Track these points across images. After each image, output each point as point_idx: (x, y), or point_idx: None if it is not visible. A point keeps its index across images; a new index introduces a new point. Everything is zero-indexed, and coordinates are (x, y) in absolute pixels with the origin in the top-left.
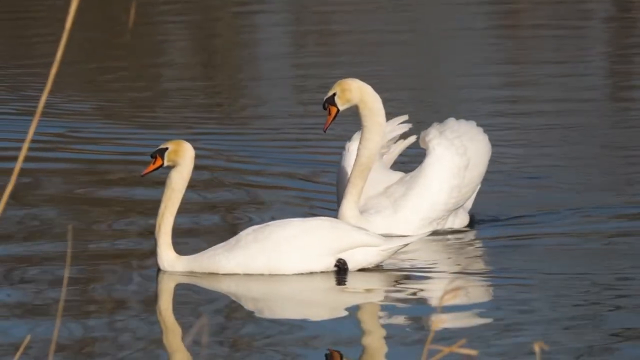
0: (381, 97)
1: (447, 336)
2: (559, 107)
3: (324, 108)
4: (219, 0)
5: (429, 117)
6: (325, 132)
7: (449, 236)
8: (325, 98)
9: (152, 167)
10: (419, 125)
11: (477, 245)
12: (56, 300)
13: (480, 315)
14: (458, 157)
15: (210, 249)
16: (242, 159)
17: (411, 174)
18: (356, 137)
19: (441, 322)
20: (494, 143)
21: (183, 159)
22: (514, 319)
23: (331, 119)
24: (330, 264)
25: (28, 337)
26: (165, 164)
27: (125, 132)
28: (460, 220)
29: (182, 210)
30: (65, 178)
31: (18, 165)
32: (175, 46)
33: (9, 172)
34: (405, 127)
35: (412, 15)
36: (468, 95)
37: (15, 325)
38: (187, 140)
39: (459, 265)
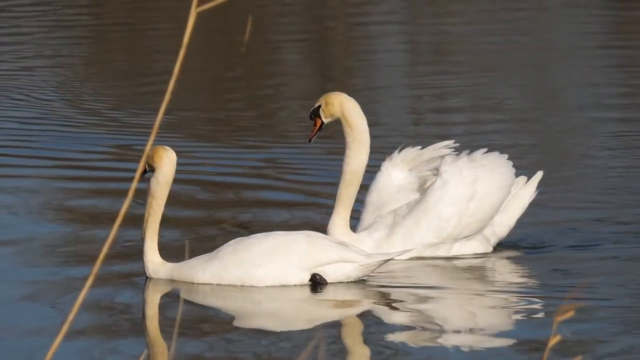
0: (490, 111)
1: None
2: None
3: (310, 119)
4: (332, 11)
5: (535, 131)
6: (310, 142)
7: (457, 260)
8: (311, 109)
9: (138, 173)
10: (523, 145)
11: (472, 266)
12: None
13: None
14: (463, 186)
15: (194, 258)
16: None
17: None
18: (395, 156)
19: (558, 339)
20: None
21: (159, 164)
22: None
23: (315, 130)
24: (304, 278)
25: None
26: (148, 169)
27: (250, 143)
28: (473, 246)
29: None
30: (183, 198)
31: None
32: (289, 59)
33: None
34: (447, 152)
35: (529, 28)
36: (583, 115)
37: (129, 343)
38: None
39: (442, 283)
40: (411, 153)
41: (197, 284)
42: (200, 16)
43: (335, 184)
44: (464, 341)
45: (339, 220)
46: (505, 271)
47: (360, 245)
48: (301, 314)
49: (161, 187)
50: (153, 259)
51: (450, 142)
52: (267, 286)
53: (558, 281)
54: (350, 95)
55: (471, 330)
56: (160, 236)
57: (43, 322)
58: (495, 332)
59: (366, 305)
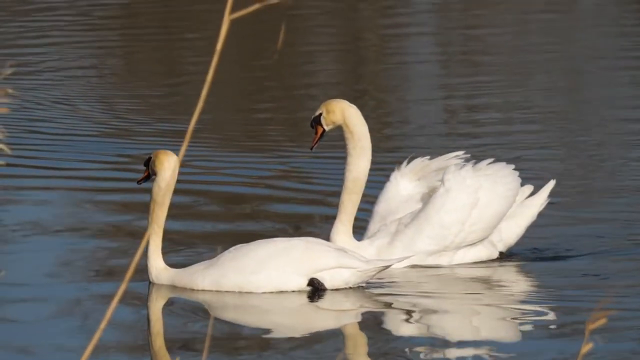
0: (522, 116)
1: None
2: None
3: (312, 127)
4: (364, 19)
5: (566, 136)
6: (312, 150)
7: (458, 268)
8: (312, 117)
9: (142, 176)
10: (553, 150)
11: (475, 274)
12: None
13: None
14: (465, 194)
15: (196, 264)
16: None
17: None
18: (404, 166)
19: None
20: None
21: (161, 169)
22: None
23: (317, 138)
24: (302, 284)
25: None
26: (151, 173)
27: (285, 151)
28: (477, 253)
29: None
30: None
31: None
32: (322, 67)
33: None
34: (456, 162)
35: (561, 32)
36: (615, 119)
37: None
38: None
39: (444, 289)
40: (419, 163)
41: (197, 290)
42: (232, 23)
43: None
44: (466, 350)
45: (341, 227)
46: (509, 279)
47: (362, 252)
48: (299, 321)
49: (163, 191)
50: (157, 265)
51: (460, 153)
52: (265, 292)
53: (569, 290)
54: (380, 103)
55: (473, 339)
56: (177, 242)
57: (68, 338)
58: (498, 341)
59: (365, 312)
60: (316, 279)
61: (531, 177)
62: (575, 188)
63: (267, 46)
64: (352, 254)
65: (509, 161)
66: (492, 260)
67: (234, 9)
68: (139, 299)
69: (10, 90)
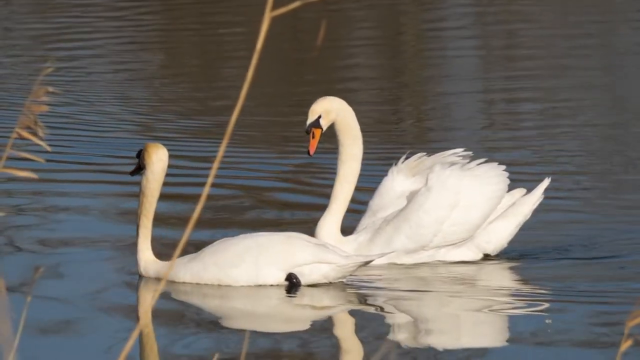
0: (561, 115)
1: None
2: None
3: (308, 133)
4: (405, 15)
5: (606, 136)
6: (312, 155)
7: (441, 266)
8: (310, 123)
9: (134, 168)
10: (592, 150)
11: (455, 272)
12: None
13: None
14: (446, 194)
15: (182, 257)
16: None
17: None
18: (400, 163)
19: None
20: None
21: (149, 162)
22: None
23: (317, 141)
24: (280, 278)
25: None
26: (142, 166)
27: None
28: (460, 253)
29: None
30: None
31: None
32: (362, 65)
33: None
34: (453, 159)
35: (602, 30)
36: None
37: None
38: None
39: (417, 286)
40: (416, 159)
41: (179, 283)
42: (272, 20)
43: (368, 190)
44: (443, 345)
45: (330, 217)
46: (489, 277)
47: (345, 247)
48: (275, 315)
49: (151, 184)
50: (145, 257)
51: (459, 150)
52: (243, 286)
53: (547, 290)
54: (424, 99)
55: (451, 335)
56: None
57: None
58: (479, 337)
59: (342, 307)
60: (293, 274)
61: (571, 172)
62: (612, 182)
63: (307, 42)
64: (333, 249)
65: (549, 155)
66: (477, 260)
67: (274, 6)
68: (127, 290)
69: (51, 89)
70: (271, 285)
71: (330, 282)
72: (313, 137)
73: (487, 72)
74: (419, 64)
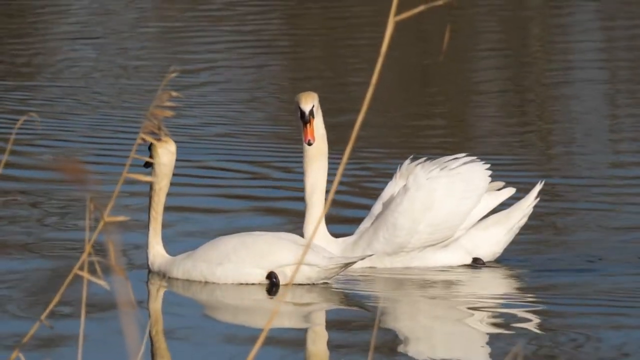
0: None
1: None
2: None
3: (307, 121)
4: (530, 21)
5: None
6: (312, 144)
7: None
8: (308, 110)
9: (146, 160)
10: None
11: (442, 276)
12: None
13: None
14: (420, 195)
15: (181, 254)
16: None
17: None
18: (404, 167)
19: None
20: None
21: (156, 156)
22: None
23: (313, 129)
24: (261, 277)
25: None
26: (152, 160)
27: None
28: (445, 256)
29: None
30: None
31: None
32: (483, 70)
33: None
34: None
35: None
36: None
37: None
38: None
39: (395, 290)
40: (415, 164)
41: (173, 278)
42: (397, 25)
43: None
44: (423, 347)
45: (312, 220)
46: (474, 283)
47: (332, 248)
48: (256, 314)
49: (160, 179)
50: (154, 252)
51: (461, 155)
52: (226, 284)
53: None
54: (544, 110)
55: (428, 338)
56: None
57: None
58: (458, 337)
59: (322, 308)
60: (274, 273)
61: None
62: None
63: (432, 48)
64: (317, 251)
65: None
66: (464, 265)
67: (398, 11)
68: (136, 285)
69: (175, 93)
70: (253, 284)
71: (314, 283)
72: (310, 125)
73: (613, 84)
74: (542, 72)
